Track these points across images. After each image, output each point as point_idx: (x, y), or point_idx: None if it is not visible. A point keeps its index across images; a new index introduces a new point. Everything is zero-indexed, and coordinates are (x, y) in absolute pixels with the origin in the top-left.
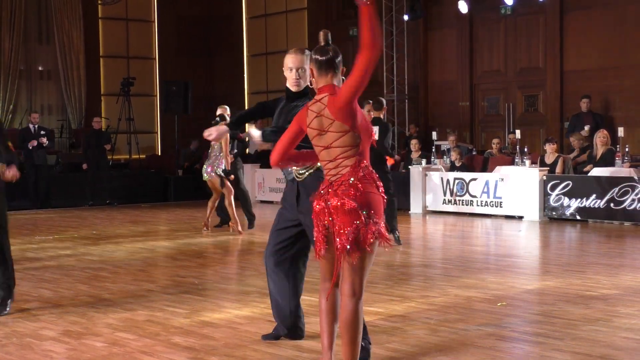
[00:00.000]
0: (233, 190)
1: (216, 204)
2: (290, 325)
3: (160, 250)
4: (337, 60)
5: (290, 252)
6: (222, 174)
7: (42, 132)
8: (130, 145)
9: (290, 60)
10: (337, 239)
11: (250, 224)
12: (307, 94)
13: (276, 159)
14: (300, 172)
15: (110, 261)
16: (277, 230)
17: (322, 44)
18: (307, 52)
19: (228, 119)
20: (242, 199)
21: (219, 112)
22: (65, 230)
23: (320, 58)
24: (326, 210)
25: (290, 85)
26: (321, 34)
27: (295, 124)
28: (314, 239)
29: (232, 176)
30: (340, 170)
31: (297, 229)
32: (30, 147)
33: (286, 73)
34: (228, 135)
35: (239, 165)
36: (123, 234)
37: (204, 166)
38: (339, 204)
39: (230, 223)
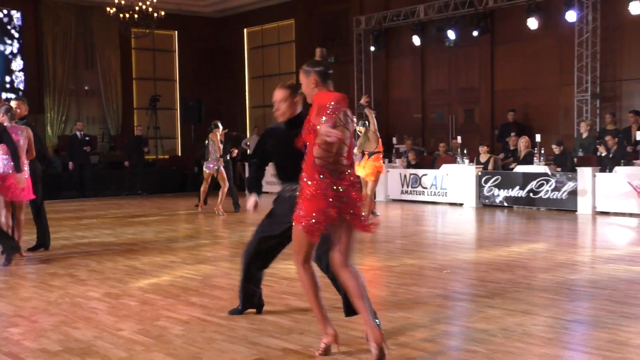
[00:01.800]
0: (227, 184)
1: (207, 189)
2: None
3: (181, 230)
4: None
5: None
6: (223, 170)
7: (87, 139)
8: (157, 148)
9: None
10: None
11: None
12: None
13: None
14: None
15: (141, 238)
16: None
17: (319, 59)
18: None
19: (220, 126)
20: (232, 191)
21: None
22: (106, 214)
23: (328, 71)
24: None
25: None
26: (318, 50)
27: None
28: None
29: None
30: (348, 166)
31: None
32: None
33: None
34: (216, 139)
35: (229, 166)
36: (151, 217)
37: (205, 163)
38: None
39: (215, 207)
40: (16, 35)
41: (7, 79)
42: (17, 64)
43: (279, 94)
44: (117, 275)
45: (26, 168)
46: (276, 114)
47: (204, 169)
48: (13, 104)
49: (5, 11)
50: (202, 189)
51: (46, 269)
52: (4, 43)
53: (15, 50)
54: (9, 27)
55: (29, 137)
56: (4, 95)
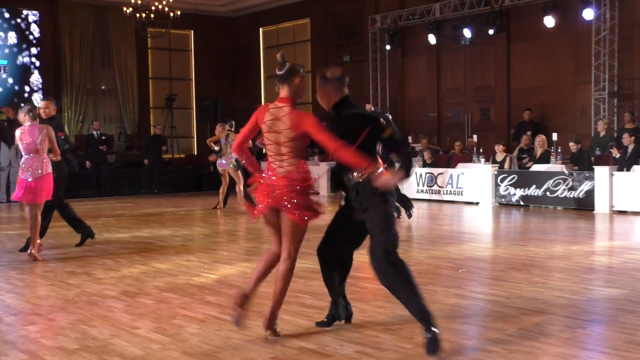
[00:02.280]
0: (242, 179)
1: (225, 190)
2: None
3: (196, 229)
4: (291, 77)
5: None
6: (236, 164)
7: (103, 138)
8: (173, 147)
9: None
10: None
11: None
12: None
13: (236, 146)
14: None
15: (157, 237)
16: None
17: (280, 62)
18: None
19: (230, 127)
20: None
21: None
22: (123, 213)
23: (278, 73)
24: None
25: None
26: (278, 55)
27: (254, 118)
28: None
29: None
30: (285, 166)
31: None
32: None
33: None
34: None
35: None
36: (168, 216)
37: (217, 160)
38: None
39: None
40: (34, 35)
41: (27, 87)
42: (35, 63)
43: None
44: (134, 273)
45: (50, 169)
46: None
47: (218, 168)
48: (42, 103)
49: (23, 15)
50: (221, 189)
51: (63, 267)
52: (22, 48)
53: (34, 53)
54: (27, 32)
55: (49, 137)
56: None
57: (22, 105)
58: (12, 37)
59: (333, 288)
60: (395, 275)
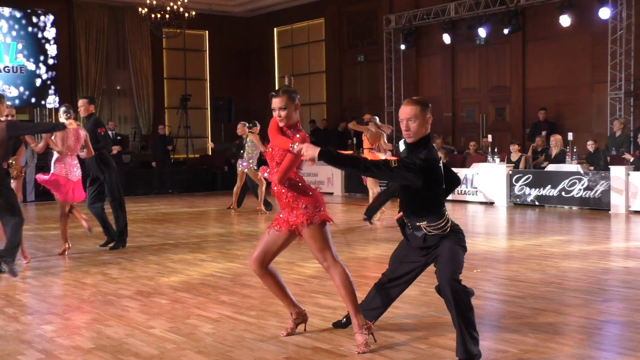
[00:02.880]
0: (265, 182)
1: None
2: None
3: (211, 229)
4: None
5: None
6: (256, 168)
7: (118, 138)
8: (187, 147)
9: (400, 112)
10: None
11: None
12: (420, 144)
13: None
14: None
15: (172, 237)
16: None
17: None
18: (421, 103)
19: (258, 125)
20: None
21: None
22: (137, 213)
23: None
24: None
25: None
26: (286, 77)
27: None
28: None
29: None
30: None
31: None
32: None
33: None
34: (257, 139)
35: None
36: (182, 215)
37: (239, 161)
38: None
39: (257, 207)
40: (50, 36)
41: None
42: (51, 63)
43: (409, 111)
44: (149, 273)
45: (76, 170)
46: (404, 134)
47: (238, 167)
48: (79, 102)
49: (40, 15)
50: (235, 189)
51: (79, 267)
52: (37, 51)
53: (51, 54)
54: (43, 33)
55: (83, 137)
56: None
57: (59, 106)
58: (28, 39)
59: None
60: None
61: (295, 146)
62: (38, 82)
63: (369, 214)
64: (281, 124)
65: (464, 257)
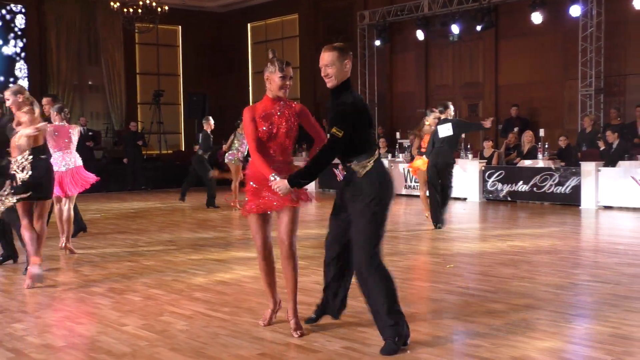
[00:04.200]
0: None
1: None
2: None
3: (184, 225)
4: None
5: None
6: (241, 161)
7: (90, 134)
8: (160, 143)
9: (320, 59)
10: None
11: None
12: (342, 88)
13: None
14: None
15: (145, 233)
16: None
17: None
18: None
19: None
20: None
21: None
22: (110, 209)
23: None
24: None
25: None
26: (270, 51)
27: None
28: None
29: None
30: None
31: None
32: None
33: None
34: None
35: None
36: (155, 212)
37: (227, 153)
38: None
39: (230, 201)
40: (19, 30)
41: (11, 79)
42: (21, 59)
43: (326, 57)
44: (121, 270)
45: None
46: (326, 81)
47: (229, 161)
48: (44, 101)
49: (8, 7)
50: (232, 185)
51: (50, 264)
52: (7, 41)
53: (19, 45)
54: (12, 24)
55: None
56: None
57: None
58: None
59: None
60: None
61: (273, 178)
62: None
63: (438, 219)
64: (329, 85)
65: (380, 225)
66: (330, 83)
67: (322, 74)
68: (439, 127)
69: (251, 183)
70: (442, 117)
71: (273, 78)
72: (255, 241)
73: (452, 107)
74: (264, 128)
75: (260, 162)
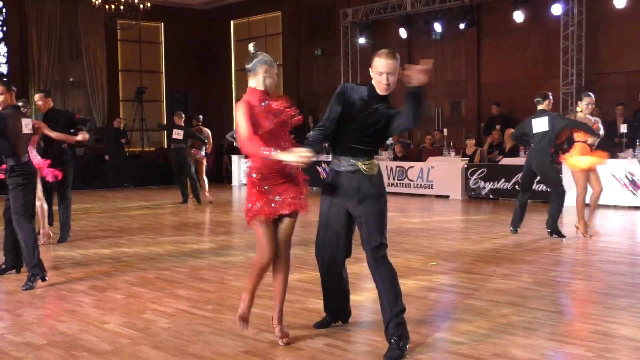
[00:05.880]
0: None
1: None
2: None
3: (166, 223)
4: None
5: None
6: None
7: (72, 131)
8: (143, 140)
9: (381, 65)
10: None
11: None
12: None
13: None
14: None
15: (127, 231)
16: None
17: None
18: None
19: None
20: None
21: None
22: (92, 207)
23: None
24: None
25: (379, 89)
26: (250, 45)
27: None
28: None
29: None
30: None
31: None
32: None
33: (375, 77)
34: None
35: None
36: (137, 209)
37: (200, 151)
38: None
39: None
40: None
41: None
42: (1, 54)
43: (392, 65)
44: (103, 268)
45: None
46: (382, 86)
47: (203, 157)
48: (36, 97)
49: None
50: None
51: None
52: None
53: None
54: None
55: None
56: None
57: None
58: None
59: None
60: None
61: (267, 152)
62: None
63: (553, 227)
64: (385, 92)
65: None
66: (388, 90)
67: (384, 81)
68: (534, 121)
69: (257, 178)
70: (539, 108)
71: (272, 72)
72: (263, 247)
73: (551, 98)
74: (263, 120)
75: (261, 144)
